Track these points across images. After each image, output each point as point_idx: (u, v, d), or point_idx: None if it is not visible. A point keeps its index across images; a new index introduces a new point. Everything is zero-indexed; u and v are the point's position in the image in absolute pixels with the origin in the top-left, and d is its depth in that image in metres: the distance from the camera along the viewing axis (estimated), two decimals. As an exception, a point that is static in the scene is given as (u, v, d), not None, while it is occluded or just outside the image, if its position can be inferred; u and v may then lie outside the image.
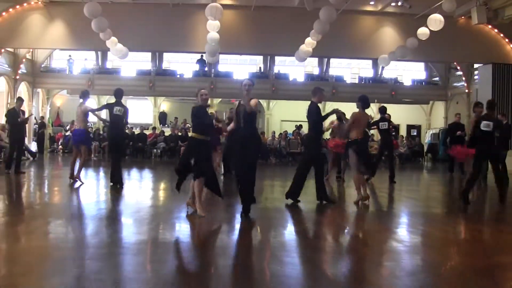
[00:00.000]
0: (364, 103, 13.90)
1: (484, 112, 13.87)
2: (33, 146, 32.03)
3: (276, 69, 39.12)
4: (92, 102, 35.76)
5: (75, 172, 16.51)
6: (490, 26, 31.92)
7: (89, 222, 10.27)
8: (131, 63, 37.63)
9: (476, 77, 36.03)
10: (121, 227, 10.07)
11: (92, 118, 21.24)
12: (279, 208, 12.96)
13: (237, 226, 10.23)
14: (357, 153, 13.60)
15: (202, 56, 35.23)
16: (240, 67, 40.64)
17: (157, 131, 34.64)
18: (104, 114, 25.87)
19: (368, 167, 14.50)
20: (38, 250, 7.80)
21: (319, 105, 13.56)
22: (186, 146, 11.43)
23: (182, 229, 9.86)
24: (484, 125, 13.48)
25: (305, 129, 36.00)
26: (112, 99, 16.28)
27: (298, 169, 13.78)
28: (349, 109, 19.54)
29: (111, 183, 15.71)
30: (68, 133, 34.18)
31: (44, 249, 7.96)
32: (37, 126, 34.64)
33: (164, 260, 7.51)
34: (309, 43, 27.68)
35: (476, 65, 35.71)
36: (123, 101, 16.19)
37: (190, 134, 11.21)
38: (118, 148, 16.39)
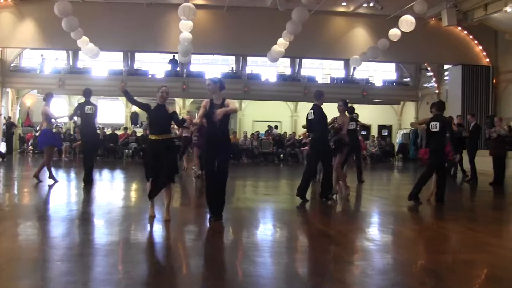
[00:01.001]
0: (345, 105, 14.76)
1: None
2: (2, 147, 31.70)
3: (248, 69, 39.08)
4: (61, 103, 35.59)
5: (38, 171, 16.53)
6: (460, 28, 32.31)
7: (59, 223, 10.14)
8: (103, 63, 37.37)
9: (446, 78, 36.39)
10: (92, 228, 9.97)
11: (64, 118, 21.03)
12: (252, 208, 12.95)
13: (209, 226, 10.19)
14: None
15: (174, 56, 35.12)
16: (213, 67, 40.54)
17: (129, 132, 34.50)
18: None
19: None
20: (7, 252, 7.69)
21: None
22: (145, 151, 11.23)
23: (154, 230, 9.80)
24: (432, 126, 13.65)
25: (285, 131, 36.14)
26: (82, 99, 16.25)
27: (306, 165, 14.27)
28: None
29: (84, 184, 15.64)
30: (37, 133, 33.86)
31: (13, 250, 7.85)
32: (5, 126, 34.24)
33: (135, 261, 7.46)
34: (282, 43, 27.73)
35: (446, 66, 36.04)
36: (94, 100, 16.16)
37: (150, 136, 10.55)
38: (93, 147, 16.36)
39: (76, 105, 18.70)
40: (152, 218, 10.38)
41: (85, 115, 15.86)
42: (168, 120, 10.58)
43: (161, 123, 10.48)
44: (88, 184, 15.60)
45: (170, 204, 10.48)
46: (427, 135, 13.89)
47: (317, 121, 13.84)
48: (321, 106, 13.96)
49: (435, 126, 13.64)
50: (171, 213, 10.29)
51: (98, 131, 30.28)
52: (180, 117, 11.58)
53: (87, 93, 16.03)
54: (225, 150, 10.48)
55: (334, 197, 14.31)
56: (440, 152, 13.78)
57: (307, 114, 14.14)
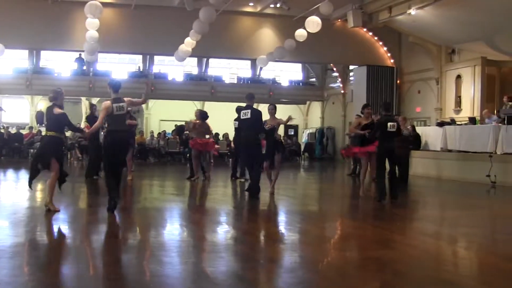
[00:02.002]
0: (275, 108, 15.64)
1: (384, 114, 14.55)
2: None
3: (155, 69, 38.82)
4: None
5: None
6: (365, 30, 32.88)
7: (-40, 225, 9.87)
8: (7, 61, 36.37)
9: (351, 78, 37.01)
10: (-5, 230, 9.72)
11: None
12: (159, 207, 12.88)
13: (117, 226, 10.08)
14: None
15: (80, 54, 34.50)
16: (119, 66, 40.05)
17: (34, 131, 33.69)
18: None
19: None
20: None
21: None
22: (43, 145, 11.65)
23: (60, 230, 9.62)
24: (390, 126, 14.06)
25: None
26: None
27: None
28: (227, 109, 19.77)
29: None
30: None
31: None
32: None
33: (41, 262, 7.30)
34: (189, 43, 27.61)
35: (351, 67, 36.66)
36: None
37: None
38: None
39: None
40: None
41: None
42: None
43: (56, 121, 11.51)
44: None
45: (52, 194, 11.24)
46: (382, 135, 14.19)
47: (253, 121, 14.50)
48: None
49: (393, 127, 14.12)
50: (77, 214, 10.18)
51: (2, 130, 29.61)
52: None
53: None
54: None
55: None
56: (394, 151, 14.29)
57: (241, 113, 14.96)
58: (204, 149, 18.90)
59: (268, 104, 15.84)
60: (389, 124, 14.10)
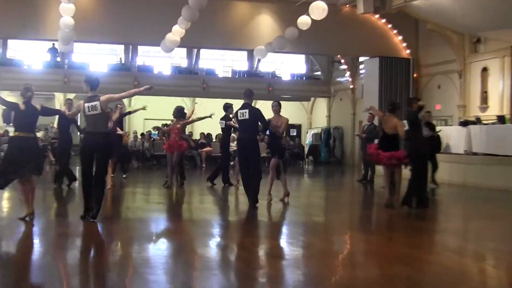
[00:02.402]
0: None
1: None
2: None
3: (139, 61, 38.80)
4: None
5: None
6: (377, 16, 32.69)
7: None
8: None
9: (361, 71, 36.91)
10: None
11: None
12: (143, 218, 12.86)
13: (95, 239, 10.04)
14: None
15: (54, 44, 34.46)
16: (98, 58, 40.06)
17: (1, 131, 33.69)
18: None
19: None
20: None
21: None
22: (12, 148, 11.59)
23: (32, 245, 9.60)
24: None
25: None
26: None
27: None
28: (221, 106, 19.74)
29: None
30: None
31: None
32: None
33: (7, 281, 7.28)
34: (177, 31, 27.53)
35: (361, 59, 36.57)
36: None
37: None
38: None
39: None
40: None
41: None
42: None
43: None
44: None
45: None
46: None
47: (252, 122, 14.64)
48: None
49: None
50: (49, 225, 10.15)
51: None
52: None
53: None
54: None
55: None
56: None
57: (237, 113, 14.98)
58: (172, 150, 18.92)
59: (266, 101, 15.87)
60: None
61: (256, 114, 14.67)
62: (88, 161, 11.50)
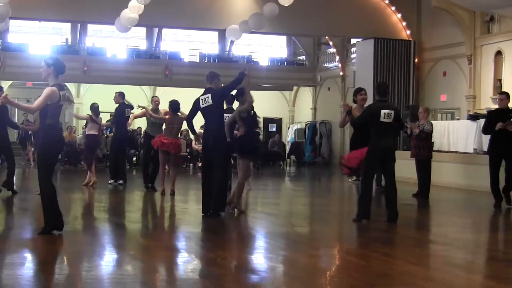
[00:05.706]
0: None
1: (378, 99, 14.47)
2: None
3: (89, 42, 38.72)
4: None
5: None
6: (371, -10, 32.88)
7: None
8: None
9: (353, 55, 36.98)
10: None
11: None
12: (93, 230, 12.91)
13: (37, 256, 10.07)
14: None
15: (-15, 22, 34.39)
16: (39, 38, 39.95)
17: None
18: None
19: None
20: None
21: None
22: None
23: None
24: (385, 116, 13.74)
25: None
26: None
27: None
28: (187, 97, 19.73)
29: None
30: None
31: None
32: None
33: None
34: (135, 7, 27.49)
35: (353, 41, 36.66)
36: None
37: None
38: None
39: None
40: None
41: None
42: None
43: None
44: None
45: None
46: (375, 129, 13.95)
47: (217, 106, 14.32)
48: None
49: (389, 116, 13.82)
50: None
51: None
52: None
53: None
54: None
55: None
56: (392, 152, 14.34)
57: (198, 100, 14.47)
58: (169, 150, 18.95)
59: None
60: (382, 112, 13.77)
61: (220, 95, 14.38)
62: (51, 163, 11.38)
